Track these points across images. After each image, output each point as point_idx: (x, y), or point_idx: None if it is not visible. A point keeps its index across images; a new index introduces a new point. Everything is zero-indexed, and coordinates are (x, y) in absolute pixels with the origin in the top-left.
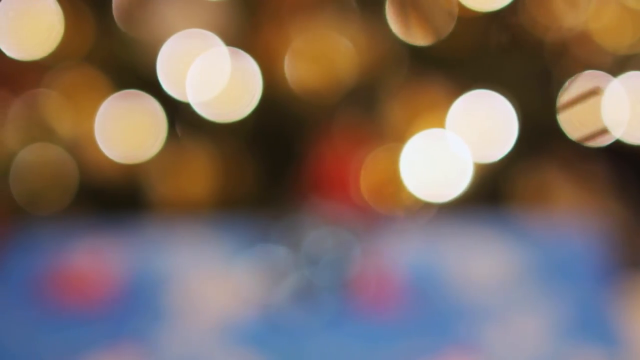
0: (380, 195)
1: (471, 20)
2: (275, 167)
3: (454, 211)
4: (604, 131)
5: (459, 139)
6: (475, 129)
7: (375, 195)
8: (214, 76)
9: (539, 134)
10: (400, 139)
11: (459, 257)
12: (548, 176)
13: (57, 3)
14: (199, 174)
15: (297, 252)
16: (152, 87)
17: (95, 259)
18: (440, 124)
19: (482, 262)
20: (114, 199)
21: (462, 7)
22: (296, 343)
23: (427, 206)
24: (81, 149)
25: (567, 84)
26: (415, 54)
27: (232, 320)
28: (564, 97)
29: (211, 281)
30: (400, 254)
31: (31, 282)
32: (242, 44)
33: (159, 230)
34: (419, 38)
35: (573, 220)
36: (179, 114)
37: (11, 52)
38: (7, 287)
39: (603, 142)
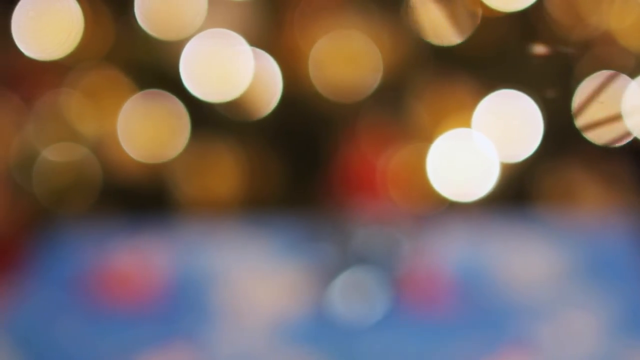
0: (407, 194)
1: (496, 20)
2: (302, 166)
3: (485, 210)
4: (616, 118)
5: (485, 139)
6: (501, 128)
7: (402, 194)
8: (235, 75)
9: (564, 133)
10: (427, 138)
11: (504, 255)
12: (573, 175)
13: (76, 3)
14: (224, 174)
15: (347, 250)
16: (174, 86)
17: (140, 258)
18: (467, 123)
19: (527, 260)
20: (138, 198)
21: (487, 7)
22: (348, 341)
23: (453, 205)
24: (105, 149)
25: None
26: (441, 54)
27: (283, 318)
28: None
29: (260, 280)
30: (448, 252)
31: (76, 283)
32: (266, 43)
33: (200, 229)
34: (443, 38)
35: (604, 219)
36: (202, 114)
37: (31, 52)
38: (51, 288)
39: (616, 131)
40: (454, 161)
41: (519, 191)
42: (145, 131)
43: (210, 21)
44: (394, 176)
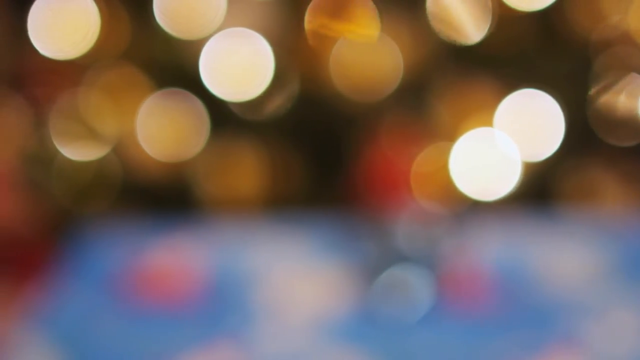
0: (431, 193)
1: (517, 19)
2: (324, 166)
3: (509, 209)
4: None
5: (507, 138)
6: (523, 127)
7: (426, 193)
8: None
9: (586, 132)
10: (449, 138)
11: (543, 253)
12: (595, 174)
13: (93, 2)
14: (246, 172)
15: (388, 249)
16: (194, 85)
17: (177, 258)
18: (489, 122)
19: (565, 257)
20: (159, 197)
21: (508, 7)
22: (391, 339)
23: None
24: (125, 148)
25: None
26: (462, 53)
27: (326, 317)
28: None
29: (301, 278)
30: (487, 250)
31: (114, 282)
32: (286, 42)
33: (235, 228)
34: (463, 37)
35: (627, 217)
36: (223, 112)
37: (48, 52)
38: (89, 287)
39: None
40: (477, 160)
41: (541, 190)
42: (164, 130)
43: (230, 20)
44: (417, 175)
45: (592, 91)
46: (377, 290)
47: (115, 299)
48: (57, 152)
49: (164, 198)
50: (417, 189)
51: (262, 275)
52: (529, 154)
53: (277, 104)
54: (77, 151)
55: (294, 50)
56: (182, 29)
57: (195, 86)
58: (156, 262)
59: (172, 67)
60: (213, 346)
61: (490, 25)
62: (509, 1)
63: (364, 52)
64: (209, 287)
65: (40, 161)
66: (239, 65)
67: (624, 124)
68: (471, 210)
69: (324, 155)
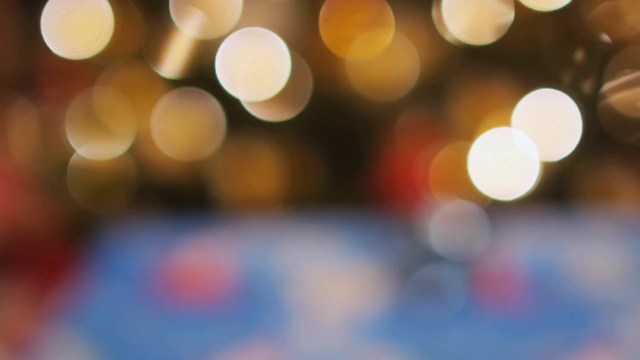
0: (450, 192)
1: (534, 19)
2: (341, 165)
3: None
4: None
5: (525, 137)
6: (541, 127)
7: (445, 193)
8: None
9: (604, 131)
10: (468, 137)
11: (574, 251)
12: (613, 173)
13: (107, 1)
14: (263, 172)
15: (421, 247)
16: (210, 84)
17: (207, 256)
18: (507, 122)
19: (596, 255)
20: (177, 197)
21: (525, 7)
22: (425, 338)
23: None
24: (141, 147)
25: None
26: (480, 53)
27: (360, 316)
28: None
29: (333, 277)
30: (520, 248)
31: (145, 281)
32: (303, 42)
33: (263, 227)
34: (479, 37)
35: None
36: (239, 112)
37: (61, 51)
38: (120, 287)
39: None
40: (495, 160)
41: (559, 189)
42: (180, 129)
43: (247, 20)
44: (435, 175)
45: (607, 90)
46: (410, 289)
47: (148, 299)
48: (73, 152)
49: (180, 198)
50: (436, 189)
51: (293, 274)
52: (547, 153)
53: (293, 104)
54: (93, 151)
55: (311, 50)
56: (199, 29)
57: (211, 85)
58: (187, 261)
59: (188, 66)
60: (248, 345)
61: (508, 25)
62: (526, 1)
63: (381, 52)
64: (241, 286)
65: (56, 162)
66: (255, 65)
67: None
68: (500, 208)
69: (341, 154)
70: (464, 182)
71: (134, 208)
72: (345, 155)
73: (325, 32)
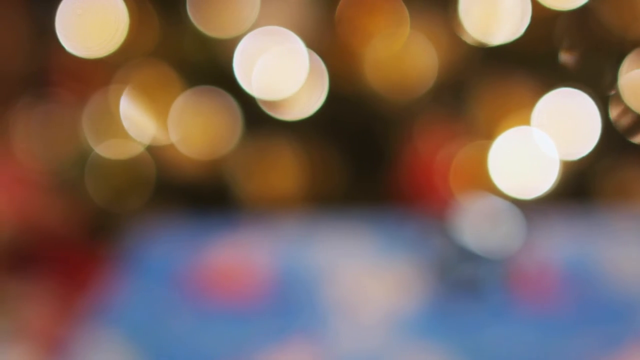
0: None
1: (553, 18)
2: (361, 164)
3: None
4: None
5: (545, 136)
6: (561, 126)
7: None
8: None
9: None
10: (488, 136)
11: (607, 249)
12: (633, 172)
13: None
14: (281, 170)
15: (457, 246)
16: (227, 83)
17: (242, 255)
18: (526, 121)
19: (629, 254)
20: (195, 195)
21: (544, 6)
22: (463, 335)
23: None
24: (158, 146)
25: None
26: (500, 52)
27: (398, 313)
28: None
29: (369, 275)
30: (555, 246)
31: (180, 280)
32: (321, 41)
33: (294, 225)
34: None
35: None
36: (257, 110)
37: (76, 51)
38: (156, 285)
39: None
40: (515, 159)
41: (579, 188)
42: (198, 128)
43: (265, 19)
44: (456, 174)
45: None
46: (446, 287)
47: (183, 298)
48: (91, 151)
49: (200, 196)
50: (457, 187)
51: (328, 272)
52: (567, 152)
53: (311, 103)
54: (111, 150)
55: (329, 49)
56: (216, 28)
57: (229, 84)
58: (220, 259)
59: (205, 65)
60: (287, 344)
61: (527, 25)
62: (545, 0)
63: (399, 51)
64: (276, 284)
65: (74, 161)
66: (273, 64)
67: None
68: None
69: (360, 153)
70: (484, 181)
71: (153, 207)
72: (365, 154)
73: (344, 31)
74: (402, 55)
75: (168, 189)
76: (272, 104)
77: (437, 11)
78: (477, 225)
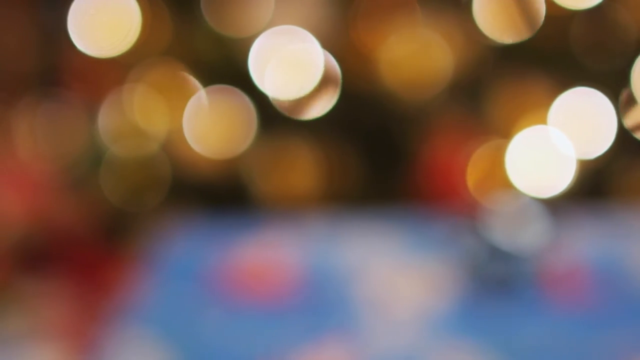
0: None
1: (569, 18)
2: (378, 163)
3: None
4: None
5: (562, 135)
6: (578, 125)
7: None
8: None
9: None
10: (505, 135)
11: (636, 248)
12: None
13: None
14: (298, 169)
15: (486, 243)
16: (242, 82)
17: (271, 253)
18: (543, 120)
19: None
20: (211, 194)
21: (560, 6)
22: (497, 333)
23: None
24: (174, 145)
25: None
26: (516, 51)
27: (431, 311)
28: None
29: (400, 273)
30: (586, 245)
31: (210, 279)
32: (337, 40)
33: (321, 224)
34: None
35: None
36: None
37: (89, 50)
38: (186, 284)
39: None
40: (532, 158)
41: (596, 187)
42: (213, 127)
43: (280, 18)
44: (473, 173)
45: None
46: (478, 285)
47: (214, 297)
48: (106, 150)
49: (215, 195)
50: (474, 186)
51: (359, 270)
52: (584, 151)
53: (326, 102)
54: (126, 149)
55: (344, 48)
56: (232, 27)
57: (244, 83)
58: (249, 258)
59: (220, 64)
60: (322, 342)
61: (542, 24)
62: (561, 0)
63: (415, 50)
64: (307, 283)
65: (90, 160)
66: (289, 63)
67: None
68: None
69: (377, 153)
70: (501, 180)
71: (169, 206)
72: (382, 153)
73: (359, 30)
74: (418, 55)
75: (184, 188)
76: (287, 103)
77: (452, 10)
78: (507, 223)
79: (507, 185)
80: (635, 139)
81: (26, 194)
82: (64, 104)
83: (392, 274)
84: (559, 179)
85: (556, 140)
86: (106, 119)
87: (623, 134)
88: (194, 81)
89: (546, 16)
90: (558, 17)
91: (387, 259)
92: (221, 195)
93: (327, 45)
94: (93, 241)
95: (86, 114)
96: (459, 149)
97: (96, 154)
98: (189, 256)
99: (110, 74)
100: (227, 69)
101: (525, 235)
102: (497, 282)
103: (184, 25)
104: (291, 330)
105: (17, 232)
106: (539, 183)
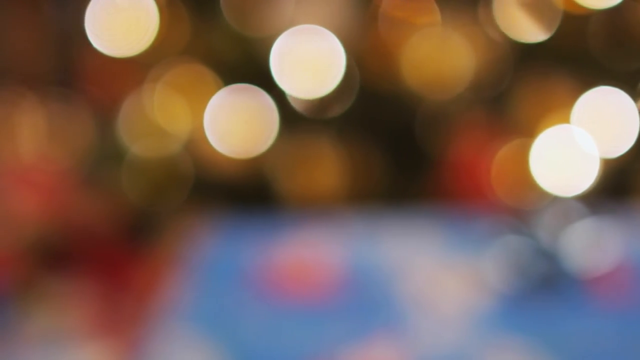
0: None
1: (592, 16)
2: (402, 162)
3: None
4: None
5: (586, 135)
6: (601, 124)
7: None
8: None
9: None
10: (529, 134)
11: None
12: None
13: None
14: (321, 168)
15: (532, 242)
16: (263, 81)
17: (312, 252)
18: (566, 119)
19: None
20: (233, 193)
21: (580, 5)
22: (542, 331)
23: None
24: (195, 144)
25: None
26: (539, 51)
27: (475, 309)
28: None
29: (444, 271)
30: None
31: (252, 278)
32: (359, 39)
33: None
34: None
35: None
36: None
37: (107, 50)
38: (228, 283)
39: None
40: (556, 157)
41: (619, 185)
42: (234, 126)
43: (301, 17)
44: (498, 172)
45: None
46: (524, 283)
47: (257, 296)
48: (127, 150)
49: (238, 194)
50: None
51: (402, 268)
52: (607, 150)
53: (346, 101)
54: (147, 149)
55: (366, 47)
56: (253, 26)
57: (266, 82)
58: (290, 257)
59: (242, 63)
60: (371, 341)
61: (561, 23)
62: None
63: (438, 49)
64: (350, 282)
65: (111, 160)
66: (311, 62)
67: None
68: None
69: (400, 152)
70: (526, 179)
71: (192, 205)
72: (405, 152)
73: (381, 29)
74: (440, 54)
75: (206, 187)
76: (308, 102)
77: (474, 9)
78: (551, 222)
79: (531, 184)
80: None
81: (43, 193)
82: (82, 104)
83: (436, 272)
84: (582, 178)
85: (579, 139)
86: (127, 118)
87: None
88: (214, 80)
89: (568, 15)
90: (580, 16)
91: (429, 257)
92: (244, 194)
93: (348, 44)
94: (116, 240)
95: (105, 114)
96: (482, 148)
97: (117, 153)
98: (227, 255)
99: (129, 73)
100: (249, 67)
101: (568, 235)
102: (541, 280)
103: (203, 24)
104: (338, 329)
105: (35, 231)
106: (563, 182)
